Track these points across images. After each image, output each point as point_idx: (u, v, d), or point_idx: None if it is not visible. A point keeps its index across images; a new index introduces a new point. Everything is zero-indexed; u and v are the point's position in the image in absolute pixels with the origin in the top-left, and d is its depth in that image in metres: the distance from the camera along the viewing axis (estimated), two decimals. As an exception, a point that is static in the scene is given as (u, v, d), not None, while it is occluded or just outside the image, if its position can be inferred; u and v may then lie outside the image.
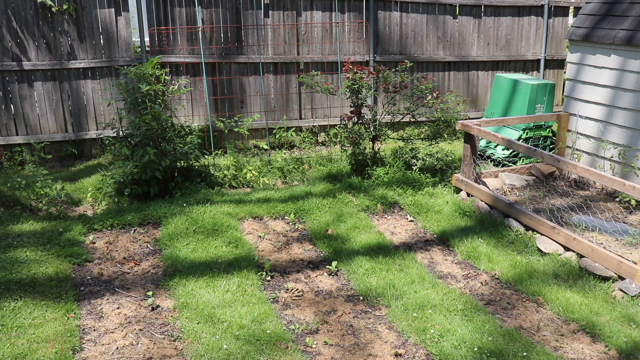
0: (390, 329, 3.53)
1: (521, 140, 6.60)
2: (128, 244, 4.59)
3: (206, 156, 6.52)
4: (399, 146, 6.73)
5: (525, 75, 7.84)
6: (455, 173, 5.84)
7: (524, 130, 6.67)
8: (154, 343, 3.30)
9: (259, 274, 4.09)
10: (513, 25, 8.79)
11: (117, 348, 3.25)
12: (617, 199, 5.36)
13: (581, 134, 5.97)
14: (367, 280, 4.03)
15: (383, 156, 6.51)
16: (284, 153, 7.07)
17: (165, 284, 3.95)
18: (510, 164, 6.66)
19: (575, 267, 4.23)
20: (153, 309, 3.66)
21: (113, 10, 6.83)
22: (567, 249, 4.42)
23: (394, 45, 8.14)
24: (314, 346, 3.33)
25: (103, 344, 3.28)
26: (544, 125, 6.79)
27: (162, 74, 5.58)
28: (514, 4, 8.65)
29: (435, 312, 3.61)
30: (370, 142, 6.42)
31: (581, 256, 4.27)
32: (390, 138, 6.74)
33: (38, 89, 6.77)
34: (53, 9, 6.57)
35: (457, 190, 5.72)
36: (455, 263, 4.46)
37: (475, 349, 3.23)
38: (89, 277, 4.04)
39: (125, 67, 5.99)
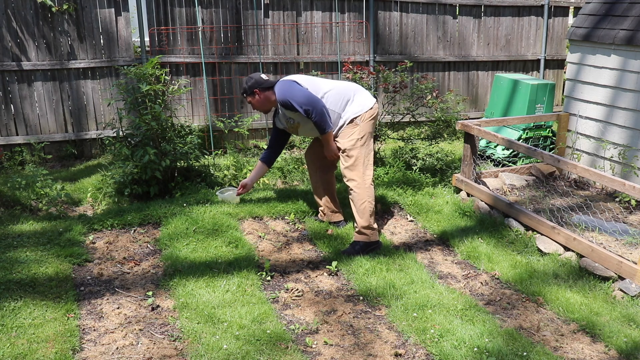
0: (390, 329, 3.53)
1: (521, 140, 6.61)
2: (128, 244, 4.59)
3: (206, 156, 6.52)
4: (399, 146, 6.73)
5: (525, 75, 7.84)
6: (455, 173, 5.84)
7: (524, 130, 6.67)
8: (154, 343, 3.30)
9: (259, 274, 4.10)
10: (513, 25, 8.80)
11: (117, 348, 3.25)
12: (617, 199, 5.36)
13: (581, 134, 5.97)
14: (367, 280, 4.03)
15: (383, 156, 6.51)
16: (284, 153, 7.08)
17: (165, 284, 3.95)
18: (510, 164, 6.66)
19: (575, 267, 4.23)
20: (153, 309, 3.66)
21: (113, 10, 6.84)
22: (567, 249, 4.42)
23: (394, 45, 8.15)
24: (314, 346, 3.33)
25: (103, 344, 3.28)
26: (544, 125, 6.80)
27: (162, 74, 5.59)
28: (514, 4, 8.66)
29: (435, 312, 3.61)
30: (370, 142, 6.43)
31: (581, 256, 4.27)
32: (390, 138, 6.74)
33: (38, 89, 6.78)
34: (53, 9, 6.57)
35: (457, 190, 5.72)
36: (455, 263, 4.46)
37: (475, 348, 3.23)
38: (89, 277, 4.04)
39: (125, 67, 5.99)
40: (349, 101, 4.45)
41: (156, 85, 5.41)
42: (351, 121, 4.40)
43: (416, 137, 7.30)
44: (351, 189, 4.42)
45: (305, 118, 4.35)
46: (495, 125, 5.98)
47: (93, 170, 6.49)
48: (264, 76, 4.49)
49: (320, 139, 4.55)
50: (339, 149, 4.49)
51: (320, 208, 4.95)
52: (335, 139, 4.49)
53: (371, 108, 4.45)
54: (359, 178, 4.39)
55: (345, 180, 4.47)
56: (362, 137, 4.38)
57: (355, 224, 4.49)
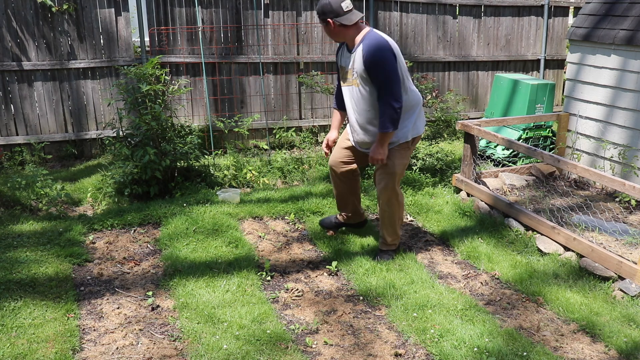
0: (390, 329, 3.53)
1: (521, 140, 6.61)
2: (128, 244, 4.59)
3: (206, 156, 6.52)
4: (399, 146, 6.71)
5: (525, 75, 7.84)
6: (455, 173, 5.84)
7: (524, 130, 6.67)
8: (154, 343, 3.31)
9: (259, 274, 4.10)
10: (513, 25, 8.79)
11: (117, 348, 3.25)
12: (617, 199, 5.36)
13: (581, 134, 5.97)
14: (367, 280, 4.03)
15: (383, 156, 6.49)
16: (284, 153, 7.07)
17: (165, 284, 3.95)
18: (510, 164, 6.66)
19: (575, 267, 4.23)
20: (153, 309, 3.66)
21: (113, 10, 6.83)
22: (567, 249, 4.42)
23: (394, 45, 8.14)
24: (314, 346, 3.33)
25: (103, 344, 3.28)
26: (544, 125, 6.79)
27: (162, 74, 5.59)
28: (514, 4, 8.66)
29: (435, 312, 3.61)
30: (370, 142, 6.42)
31: (581, 256, 4.27)
32: (390, 138, 6.73)
33: (38, 89, 6.78)
34: (53, 9, 6.57)
35: (457, 190, 5.72)
36: (455, 263, 4.46)
37: (475, 348, 3.23)
38: (89, 277, 4.04)
39: (125, 67, 5.99)
40: (412, 116, 4.09)
41: (156, 85, 5.42)
42: (407, 141, 4.11)
43: (416, 137, 7.30)
44: (384, 209, 4.30)
45: (370, 92, 3.93)
46: (495, 125, 5.98)
47: (93, 170, 6.49)
48: (345, 5, 3.80)
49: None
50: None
51: (343, 213, 4.68)
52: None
53: (423, 132, 4.31)
54: (393, 197, 4.25)
55: (378, 196, 4.31)
56: (406, 162, 4.25)
57: (383, 235, 4.39)
